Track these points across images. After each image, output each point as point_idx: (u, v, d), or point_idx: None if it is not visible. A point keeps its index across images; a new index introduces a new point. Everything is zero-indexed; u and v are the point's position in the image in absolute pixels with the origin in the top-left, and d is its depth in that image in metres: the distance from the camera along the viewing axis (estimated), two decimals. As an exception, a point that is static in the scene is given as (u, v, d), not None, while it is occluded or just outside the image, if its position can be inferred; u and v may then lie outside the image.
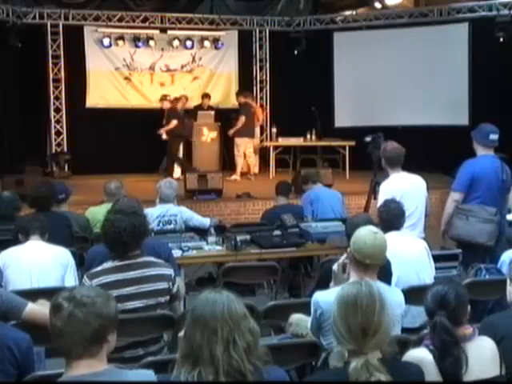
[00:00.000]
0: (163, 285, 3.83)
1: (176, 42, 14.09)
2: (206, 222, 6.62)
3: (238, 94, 13.13)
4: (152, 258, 3.94)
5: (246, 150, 12.58)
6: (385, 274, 4.27)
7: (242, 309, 2.48)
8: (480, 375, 2.82)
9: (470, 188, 5.76)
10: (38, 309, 3.63)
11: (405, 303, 3.90)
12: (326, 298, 3.42)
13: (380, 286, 3.47)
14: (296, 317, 3.87)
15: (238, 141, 12.52)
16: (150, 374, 2.57)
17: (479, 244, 5.67)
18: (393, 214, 4.91)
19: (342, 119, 14.44)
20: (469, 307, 2.97)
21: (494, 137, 5.81)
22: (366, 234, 3.56)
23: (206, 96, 13.45)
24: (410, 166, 6.21)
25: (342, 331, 2.54)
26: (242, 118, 12.39)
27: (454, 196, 5.84)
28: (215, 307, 2.44)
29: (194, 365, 2.39)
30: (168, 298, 3.88)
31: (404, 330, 3.79)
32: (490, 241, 5.67)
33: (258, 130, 13.69)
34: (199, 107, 13.43)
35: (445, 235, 5.96)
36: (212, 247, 6.08)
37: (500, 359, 2.89)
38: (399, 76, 13.85)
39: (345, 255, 3.67)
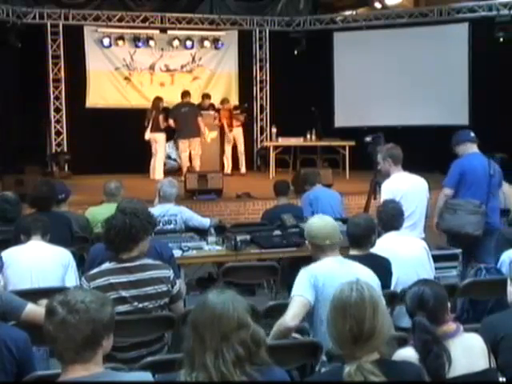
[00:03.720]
0: (162, 287, 3.80)
1: (176, 42, 14.08)
2: (205, 222, 6.61)
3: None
4: (150, 261, 3.90)
5: (191, 150, 12.33)
6: (385, 274, 4.29)
7: (239, 318, 2.40)
8: (468, 370, 2.83)
9: (459, 184, 6.24)
10: (38, 309, 3.62)
11: (404, 304, 3.91)
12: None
13: (358, 268, 3.81)
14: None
15: (179, 142, 12.42)
16: (147, 376, 2.55)
17: (468, 234, 6.10)
18: (391, 214, 4.92)
19: (341, 119, 14.44)
20: (448, 304, 2.99)
21: (473, 134, 6.42)
22: (315, 221, 4.09)
23: (206, 96, 13.37)
24: (409, 166, 6.23)
25: (334, 336, 2.53)
26: (170, 121, 12.24)
27: (445, 191, 6.31)
28: (210, 314, 2.39)
29: (191, 368, 2.38)
30: (167, 300, 3.86)
31: (403, 329, 3.80)
32: (476, 230, 6.10)
33: (240, 131, 13.55)
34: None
35: (438, 227, 6.36)
36: (212, 247, 6.07)
37: (488, 352, 2.90)
38: (399, 76, 13.85)
39: None
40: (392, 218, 4.89)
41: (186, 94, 12.76)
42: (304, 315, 3.66)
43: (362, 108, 14.01)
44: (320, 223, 4.04)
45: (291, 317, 3.61)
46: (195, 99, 13.70)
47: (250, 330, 2.42)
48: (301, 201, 7.55)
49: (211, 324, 2.37)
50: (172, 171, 12.70)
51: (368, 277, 3.68)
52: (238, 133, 13.48)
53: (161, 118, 12.26)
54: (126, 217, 3.80)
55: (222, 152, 13.48)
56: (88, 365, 2.34)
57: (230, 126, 13.32)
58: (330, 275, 3.69)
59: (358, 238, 4.41)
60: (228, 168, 13.33)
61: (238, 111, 13.57)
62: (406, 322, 3.88)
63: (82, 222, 6.40)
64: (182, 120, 12.21)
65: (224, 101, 13.61)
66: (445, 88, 13.35)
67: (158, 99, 12.53)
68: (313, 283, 3.68)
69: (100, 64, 13.88)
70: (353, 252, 4.40)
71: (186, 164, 12.30)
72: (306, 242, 4.08)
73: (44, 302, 3.79)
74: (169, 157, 13.30)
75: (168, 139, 12.82)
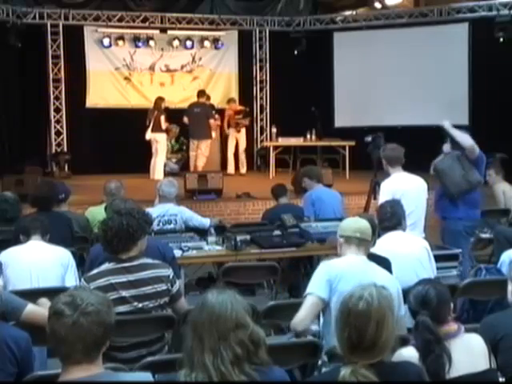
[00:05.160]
0: (162, 286, 3.80)
1: (176, 42, 14.09)
2: (206, 222, 6.60)
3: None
4: (149, 260, 3.90)
5: (200, 150, 12.42)
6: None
7: (235, 318, 2.42)
8: (468, 370, 2.83)
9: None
10: (38, 310, 3.62)
11: (403, 303, 3.91)
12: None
13: (380, 273, 3.78)
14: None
15: (190, 142, 12.59)
16: (147, 376, 2.56)
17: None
18: (384, 214, 4.91)
19: (341, 119, 14.44)
20: (451, 305, 3.00)
21: None
22: (349, 218, 4.20)
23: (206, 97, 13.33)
24: (410, 166, 6.24)
25: (336, 336, 2.53)
26: (185, 119, 12.44)
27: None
28: (205, 314, 2.41)
29: (191, 368, 2.40)
30: (167, 299, 3.86)
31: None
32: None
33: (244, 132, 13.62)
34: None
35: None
36: (212, 247, 6.07)
37: (489, 353, 2.91)
38: (399, 76, 13.85)
39: None
40: (391, 218, 4.88)
41: (200, 93, 12.83)
42: (315, 315, 3.66)
43: (362, 108, 14.01)
44: (353, 219, 4.12)
45: (299, 321, 3.63)
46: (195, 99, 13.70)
47: (248, 330, 2.43)
48: (302, 200, 7.55)
49: (209, 324, 2.39)
50: (172, 174, 12.74)
51: (390, 284, 3.63)
52: (241, 135, 13.53)
53: (162, 118, 12.27)
54: (122, 217, 3.80)
55: (225, 151, 13.51)
56: (90, 365, 2.35)
57: (236, 126, 13.38)
58: (348, 271, 3.67)
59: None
60: (230, 167, 13.34)
61: (241, 116, 13.60)
62: (406, 322, 3.89)
63: (82, 221, 6.41)
64: (193, 120, 12.33)
65: (230, 100, 13.64)
66: (445, 88, 13.35)
67: (160, 99, 12.53)
68: (328, 278, 3.65)
69: (100, 64, 13.88)
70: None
71: (193, 163, 12.38)
72: (338, 239, 3.98)
73: (43, 300, 3.80)
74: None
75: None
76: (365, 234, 3.89)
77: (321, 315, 3.76)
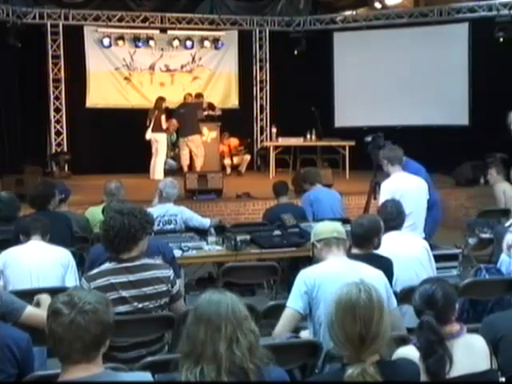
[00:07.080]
0: (162, 287, 3.79)
1: (176, 42, 14.10)
2: (206, 222, 6.60)
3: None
4: (150, 260, 3.89)
5: (191, 149, 12.38)
6: (386, 274, 4.28)
7: (244, 310, 2.53)
8: (470, 370, 2.83)
9: None
10: (37, 312, 3.61)
11: (403, 303, 3.92)
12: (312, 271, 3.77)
13: (366, 269, 3.76)
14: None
15: (179, 141, 12.62)
16: (146, 376, 2.57)
17: None
18: (390, 214, 4.90)
19: (341, 119, 14.45)
20: (456, 305, 2.99)
21: None
22: (320, 223, 4.26)
23: (199, 96, 13.23)
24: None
25: (340, 337, 2.52)
26: (173, 121, 12.51)
27: None
28: (220, 306, 2.48)
29: (196, 362, 2.42)
30: (167, 299, 3.85)
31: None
32: None
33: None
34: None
35: None
36: (212, 247, 6.07)
37: (490, 354, 2.90)
38: (399, 76, 13.85)
39: None
40: (391, 218, 4.88)
41: (186, 96, 12.98)
42: (293, 326, 3.76)
43: (362, 108, 14.01)
44: (324, 223, 4.19)
45: (277, 333, 3.72)
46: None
47: (252, 323, 2.54)
48: (301, 201, 7.55)
49: (226, 314, 2.47)
50: (171, 171, 12.72)
51: (376, 278, 3.67)
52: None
53: (163, 118, 12.28)
54: (123, 217, 3.78)
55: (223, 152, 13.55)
56: (89, 365, 2.35)
57: (232, 156, 13.57)
58: (328, 275, 3.67)
59: (359, 238, 4.40)
60: (228, 168, 13.36)
61: (242, 147, 13.66)
62: (406, 322, 3.89)
63: (82, 221, 6.41)
64: (180, 120, 12.39)
65: (224, 136, 13.58)
66: (445, 88, 13.35)
67: (160, 99, 12.53)
68: (305, 290, 3.67)
69: (100, 64, 13.89)
70: (354, 251, 4.40)
71: (185, 163, 12.34)
72: (316, 245, 3.95)
73: (44, 296, 3.79)
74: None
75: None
76: (341, 234, 3.93)
77: (309, 326, 3.77)
